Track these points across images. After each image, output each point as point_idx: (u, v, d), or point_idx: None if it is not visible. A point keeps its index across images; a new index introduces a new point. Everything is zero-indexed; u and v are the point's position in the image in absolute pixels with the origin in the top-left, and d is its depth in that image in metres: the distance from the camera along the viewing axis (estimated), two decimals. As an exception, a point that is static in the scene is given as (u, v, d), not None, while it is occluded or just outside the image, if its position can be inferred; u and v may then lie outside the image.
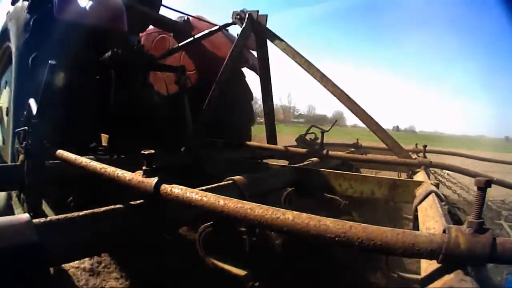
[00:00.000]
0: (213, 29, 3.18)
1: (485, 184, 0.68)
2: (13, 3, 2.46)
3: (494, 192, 3.49)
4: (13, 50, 2.23)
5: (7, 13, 2.48)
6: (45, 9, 2.04)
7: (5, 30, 2.43)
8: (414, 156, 2.57)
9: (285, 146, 2.85)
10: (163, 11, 3.31)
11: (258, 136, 3.80)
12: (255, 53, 3.15)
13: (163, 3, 3.27)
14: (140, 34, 3.22)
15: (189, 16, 3.48)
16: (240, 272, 1.02)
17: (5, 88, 2.63)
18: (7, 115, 2.52)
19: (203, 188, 1.14)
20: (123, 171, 1.01)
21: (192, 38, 3.20)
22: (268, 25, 2.88)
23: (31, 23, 2.08)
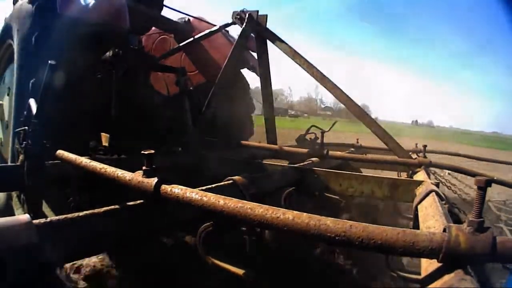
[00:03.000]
0: (213, 29, 3.18)
1: (485, 184, 0.68)
2: (14, 2, 2.45)
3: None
4: (15, 51, 2.21)
5: (14, 2, 2.45)
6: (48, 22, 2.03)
7: (8, 27, 2.41)
8: (414, 156, 2.57)
9: (285, 146, 2.85)
10: (163, 11, 3.31)
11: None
12: (255, 54, 3.16)
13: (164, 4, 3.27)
14: (141, 35, 3.21)
15: (190, 17, 3.48)
16: (240, 271, 1.02)
17: (7, 94, 2.61)
18: (6, 128, 2.50)
19: (203, 188, 1.14)
20: (123, 171, 1.01)
21: (192, 39, 3.21)
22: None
23: (33, 39, 2.06)
